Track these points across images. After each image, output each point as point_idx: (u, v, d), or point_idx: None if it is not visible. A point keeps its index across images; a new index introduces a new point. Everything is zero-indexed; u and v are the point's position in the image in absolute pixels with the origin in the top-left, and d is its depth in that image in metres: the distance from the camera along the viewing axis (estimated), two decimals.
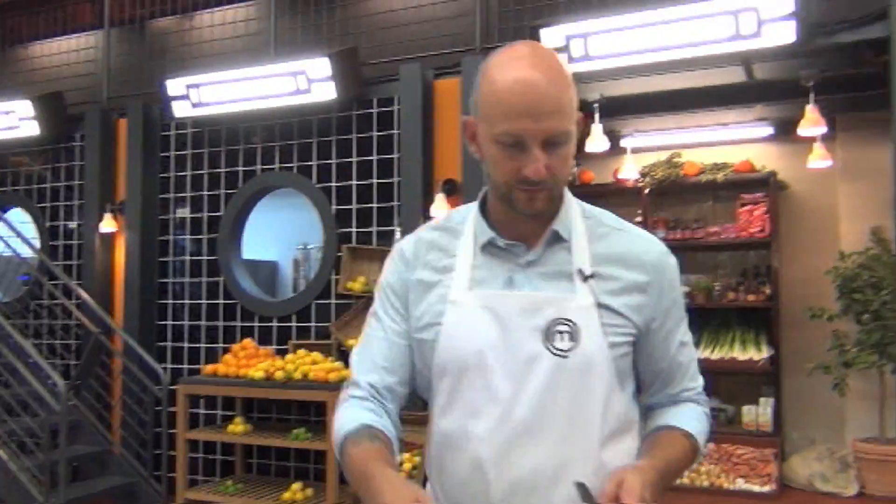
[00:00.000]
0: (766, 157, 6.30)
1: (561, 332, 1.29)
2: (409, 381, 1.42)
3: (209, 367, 5.13)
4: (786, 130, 5.80)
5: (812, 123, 4.63)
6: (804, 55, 4.39)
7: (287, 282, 9.12)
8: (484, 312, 1.32)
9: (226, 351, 5.32)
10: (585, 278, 1.32)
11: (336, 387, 4.59)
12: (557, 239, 1.35)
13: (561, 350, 1.29)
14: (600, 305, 1.31)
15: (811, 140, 5.44)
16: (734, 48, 4.00)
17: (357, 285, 5.01)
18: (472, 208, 1.43)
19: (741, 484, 4.48)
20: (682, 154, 5.91)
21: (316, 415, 5.13)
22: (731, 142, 6.15)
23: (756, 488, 4.46)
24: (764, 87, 5.03)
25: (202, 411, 5.53)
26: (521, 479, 1.29)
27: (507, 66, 1.26)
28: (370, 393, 1.38)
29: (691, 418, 1.42)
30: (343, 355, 4.99)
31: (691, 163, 5.68)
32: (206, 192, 5.69)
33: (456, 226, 1.42)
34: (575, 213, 1.38)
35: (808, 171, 5.70)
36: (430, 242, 1.42)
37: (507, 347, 1.30)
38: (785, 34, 3.95)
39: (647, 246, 1.39)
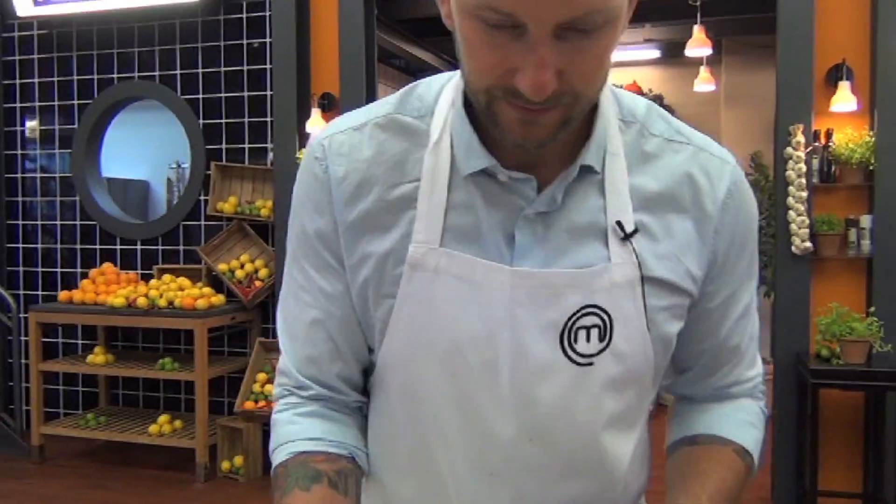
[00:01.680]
0: (653, 80, 6.28)
1: (587, 328, 0.82)
2: (367, 357, 0.93)
3: (64, 294, 4.73)
4: (672, 53, 5.78)
5: (699, 44, 4.56)
6: None
7: (160, 202, 8.62)
8: (464, 287, 0.82)
9: (84, 276, 4.92)
10: (626, 236, 0.83)
11: (205, 314, 4.32)
12: (586, 172, 0.84)
13: (584, 355, 0.83)
14: (647, 279, 0.83)
15: (697, 64, 5.42)
16: None
17: (228, 206, 4.68)
18: (443, 92, 0.87)
19: None
20: None
21: (185, 343, 4.84)
22: (619, 63, 6.08)
23: None
24: (652, 6, 4.91)
25: (61, 340, 5.14)
26: None
27: None
28: (315, 395, 0.91)
29: (745, 424, 0.96)
30: (214, 280, 4.70)
31: None
32: (56, 103, 5.15)
33: (417, 123, 0.86)
34: (610, 120, 0.85)
35: (694, 95, 5.70)
36: (376, 151, 0.86)
37: (500, 348, 0.83)
38: None
39: (718, 167, 0.87)
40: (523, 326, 0.82)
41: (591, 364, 0.83)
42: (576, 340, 0.82)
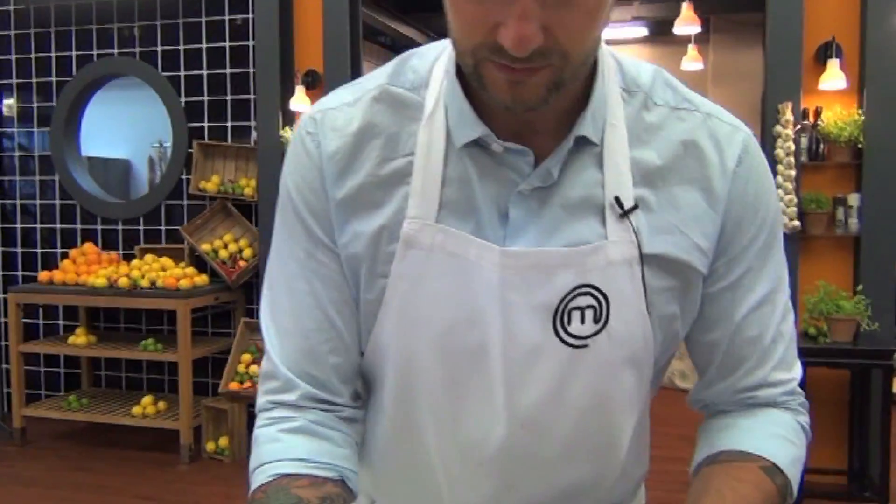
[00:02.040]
0: (640, 59, 6.24)
1: (581, 309, 0.77)
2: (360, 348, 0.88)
3: (45, 275, 4.66)
4: (660, 31, 5.73)
5: (687, 21, 4.52)
6: None
7: (142, 181, 8.51)
8: (458, 266, 0.78)
9: (64, 256, 4.84)
10: (624, 213, 0.78)
11: (188, 294, 4.27)
12: (584, 144, 0.79)
13: (578, 337, 0.78)
14: (646, 257, 0.78)
15: (685, 42, 5.38)
16: None
17: (211, 185, 4.61)
18: (437, 62, 0.82)
19: None
20: None
21: (168, 324, 4.78)
22: (606, 41, 6.04)
23: None
24: None
25: (42, 322, 5.07)
26: None
27: None
28: (306, 395, 0.84)
29: (775, 437, 0.85)
30: (197, 260, 4.64)
31: None
32: (34, 80, 5.04)
33: (411, 95, 0.82)
34: (611, 90, 0.80)
35: (682, 73, 5.67)
36: (368, 124, 0.81)
37: (490, 331, 0.78)
38: None
39: (728, 134, 0.82)
40: (514, 308, 0.77)
41: (585, 346, 0.78)
42: (569, 322, 0.77)
